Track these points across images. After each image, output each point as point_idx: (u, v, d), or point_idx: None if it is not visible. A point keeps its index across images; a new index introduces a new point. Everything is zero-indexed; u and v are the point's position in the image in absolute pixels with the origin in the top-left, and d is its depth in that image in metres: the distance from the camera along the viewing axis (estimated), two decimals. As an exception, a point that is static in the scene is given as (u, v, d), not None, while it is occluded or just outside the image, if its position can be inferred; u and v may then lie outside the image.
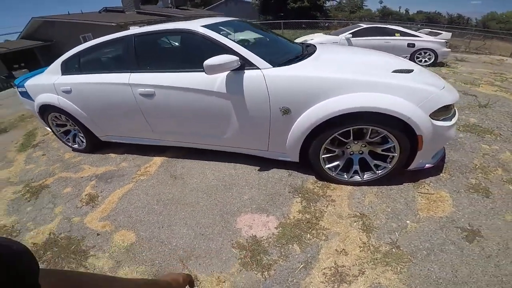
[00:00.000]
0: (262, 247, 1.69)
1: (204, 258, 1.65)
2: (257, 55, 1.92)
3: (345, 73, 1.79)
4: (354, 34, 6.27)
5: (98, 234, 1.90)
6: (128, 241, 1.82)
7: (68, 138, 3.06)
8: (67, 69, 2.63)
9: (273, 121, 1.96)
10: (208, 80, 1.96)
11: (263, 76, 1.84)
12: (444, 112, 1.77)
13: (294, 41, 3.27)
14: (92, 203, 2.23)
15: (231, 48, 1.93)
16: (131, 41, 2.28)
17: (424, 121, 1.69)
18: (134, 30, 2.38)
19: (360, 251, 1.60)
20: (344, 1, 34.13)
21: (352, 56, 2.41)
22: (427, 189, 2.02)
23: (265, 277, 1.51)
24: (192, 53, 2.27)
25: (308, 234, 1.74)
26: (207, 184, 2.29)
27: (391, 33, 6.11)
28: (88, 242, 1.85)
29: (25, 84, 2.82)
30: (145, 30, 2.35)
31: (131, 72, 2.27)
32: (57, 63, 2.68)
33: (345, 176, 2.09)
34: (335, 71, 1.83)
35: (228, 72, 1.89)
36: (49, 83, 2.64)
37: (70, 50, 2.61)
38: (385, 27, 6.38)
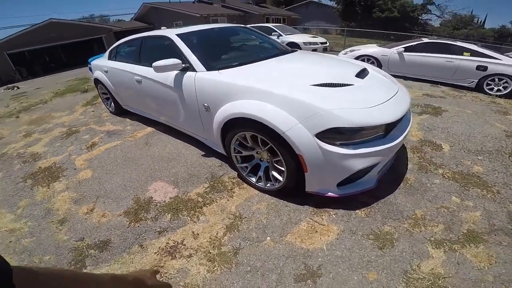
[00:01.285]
0: (148, 206, 2.09)
1: (111, 200, 2.21)
2: (205, 60, 2.27)
3: (249, 80, 1.90)
4: (409, 49, 5.27)
5: (74, 169, 2.77)
6: (84, 177, 2.60)
7: (107, 103, 4.28)
8: (109, 56, 3.74)
9: (202, 115, 2.28)
10: (165, 75, 2.45)
11: (194, 78, 2.18)
12: (340, 135, 1.60)
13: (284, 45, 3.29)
14: (90, 149, 3.17)
15: (183, 53, 2.35)
16: (139, 42, 3.09)
17: (303, 140, 1.61)
18: (145, 33, 3.14)
19: (207, 241, 1.75)
20: (447, 16, 27.40)
21: (300, 65, 2.39)
22: (322, 219, 1.86)
23: (131, 225, 1.92)
24: (164, 53, 2.63)
25: (186, 212, 2.01)
26: (160, 154, 2.84)
27: (458, 51, 4.78)
28: (65, 172, 2.73)
29: (90, 62, 4.15)
30: (148, 34, 3.09)
31: (134, 64, 3.05)
32: (107, 51, 3.81)
33: (253, 179, 2.17)
34: (245, 78, 1.96)
35: (177, 71, 2.32)
36: (100, 64, 3.83)
37: (116, 43, 3.68)
38: (452, 44, 4.99)
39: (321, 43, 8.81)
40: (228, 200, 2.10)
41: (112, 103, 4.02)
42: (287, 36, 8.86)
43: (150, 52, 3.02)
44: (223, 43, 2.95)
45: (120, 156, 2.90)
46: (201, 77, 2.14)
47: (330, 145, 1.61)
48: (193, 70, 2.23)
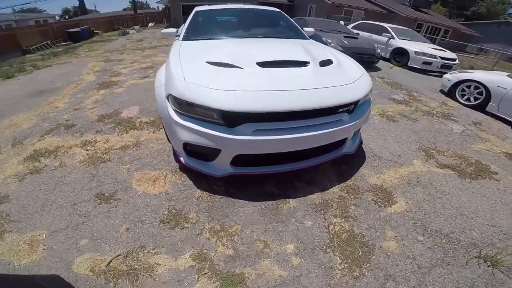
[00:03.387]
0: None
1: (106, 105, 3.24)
2: (188, 32, 2.69)
3: (188, 49, 2.27)
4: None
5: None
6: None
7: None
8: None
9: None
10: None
11: (179, 43, 2.55)
12: (179, 105, 1.67)
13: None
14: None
15: (183, 26, 2.86)
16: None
17: (161, 98, 1.88)
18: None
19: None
20: None
21: (251, 47, 2.36)
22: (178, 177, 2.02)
23: (98, 122, 2.84)
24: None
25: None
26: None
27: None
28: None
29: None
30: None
31: None
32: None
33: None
34: (190, 46, 2.36)
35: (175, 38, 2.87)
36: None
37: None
38: None
39: (444, 58, 6.64)
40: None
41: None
42: (400, 40, 7.31)
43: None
44: (227, 21, 3.17)
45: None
46: (178, 43, 2.53)
47: (171, 109, 1.74)
48: (179, 38, 2.69)
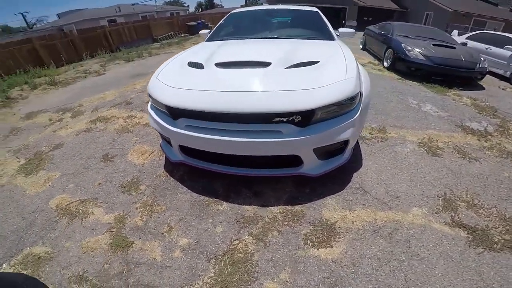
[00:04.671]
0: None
1: None
2: (213, 34, 3.03)
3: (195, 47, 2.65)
4: None
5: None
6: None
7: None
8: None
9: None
10: None
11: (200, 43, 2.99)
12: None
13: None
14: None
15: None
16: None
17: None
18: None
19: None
20: None
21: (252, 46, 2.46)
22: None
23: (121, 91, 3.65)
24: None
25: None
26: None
27: None
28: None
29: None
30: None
31: None
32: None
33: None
34: (201, 47, 2.65)
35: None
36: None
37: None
38: None
39: None
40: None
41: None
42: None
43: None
44: (253, 22, 3.22)
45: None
46: (200, 43, 2.93)
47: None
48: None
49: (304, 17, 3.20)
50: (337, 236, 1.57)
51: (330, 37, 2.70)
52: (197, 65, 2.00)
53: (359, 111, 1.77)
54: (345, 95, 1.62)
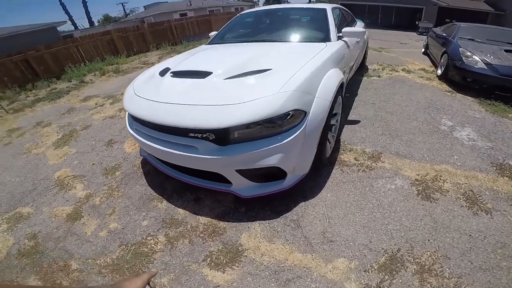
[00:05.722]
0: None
1: None
2: (218, 36, 3.20)
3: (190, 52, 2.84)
4: None
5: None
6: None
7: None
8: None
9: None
10: None
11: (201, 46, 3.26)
12: None
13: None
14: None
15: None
16: None
17: None
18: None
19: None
20: None
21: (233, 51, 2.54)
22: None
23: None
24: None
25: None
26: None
27: None
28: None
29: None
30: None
31: None
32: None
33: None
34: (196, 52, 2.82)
35: None
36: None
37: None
38: None
39: None
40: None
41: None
42: None
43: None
44: (255, 24, 3.22)
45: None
46: (200, 46, 3.19)
47: None
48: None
49: (306, 17, 3.04)
50: (236, 264, 1.56)
51: (326, 39, 2.51)
52: (162, 73, 2.16)
53: (296, 133, 1.59)
54: (266, 113, 1.47)
